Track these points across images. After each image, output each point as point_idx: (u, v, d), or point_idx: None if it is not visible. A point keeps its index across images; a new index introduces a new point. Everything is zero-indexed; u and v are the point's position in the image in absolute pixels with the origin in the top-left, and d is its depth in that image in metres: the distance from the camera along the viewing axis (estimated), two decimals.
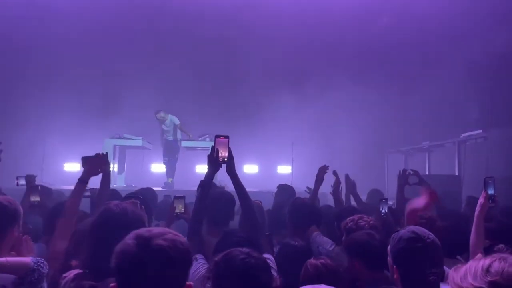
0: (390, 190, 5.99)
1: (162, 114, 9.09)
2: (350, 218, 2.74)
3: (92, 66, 10.41)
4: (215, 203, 2.80)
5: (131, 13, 10.60)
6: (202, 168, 10.57)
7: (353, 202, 4.26)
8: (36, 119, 9.87)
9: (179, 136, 9.25)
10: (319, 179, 4.03)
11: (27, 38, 10.03)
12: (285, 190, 4.74)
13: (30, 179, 3.76)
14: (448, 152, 7.96)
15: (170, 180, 9.07)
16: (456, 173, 7.35)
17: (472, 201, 3.94)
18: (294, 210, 3.30)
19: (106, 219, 1.88)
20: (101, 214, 1.92)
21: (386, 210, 3.47)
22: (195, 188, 4.05)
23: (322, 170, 4.09)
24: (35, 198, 3.39)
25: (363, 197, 4.61)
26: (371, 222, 2.70)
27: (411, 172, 4.17)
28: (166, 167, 9.30)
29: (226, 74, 11.05)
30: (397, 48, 9.51)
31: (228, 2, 10.15)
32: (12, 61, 10.04)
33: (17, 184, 3.79)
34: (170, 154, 9.20)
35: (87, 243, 1.90)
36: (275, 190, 4.92)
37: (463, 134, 7.55)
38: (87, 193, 3.71)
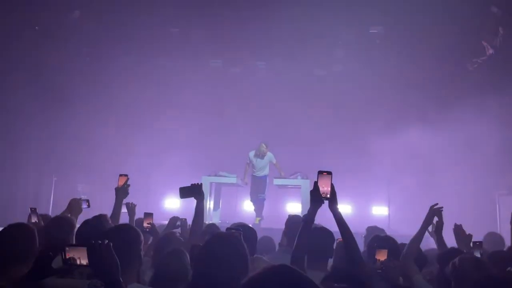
0: (504, 235, 5.35)
1: (267, 149, 9.10)
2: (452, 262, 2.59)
3: (195, 108, 11.20)
4: (315, 239, 2.79)
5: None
6: (292, 207, 10.52)
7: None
8: (142, 156, 10.74)
9: (267, 172, 9.25)
10: (428, 221, 3.40)
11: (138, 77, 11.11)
12: (375, 232, 4.30)
13: (130, 206, 4.12)
14: None
15: (257, 220, 8.97)
16: None
17: None
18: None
19: (214, 244, 2.00)
20: (210, 241, 2.04)
21: (479, 255, 3.20)
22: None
23: (434, 212, 3.39)
24: (147, 224, 3.78)
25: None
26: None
27: None
28: (255, 206, 9.23)
29: (320, 112, 11.10)
30: (505, 79, 8.79)
31: None
32: (122, 98, 11.12)
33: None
34: (259, 192, 9.13)
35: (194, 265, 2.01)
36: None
37: None
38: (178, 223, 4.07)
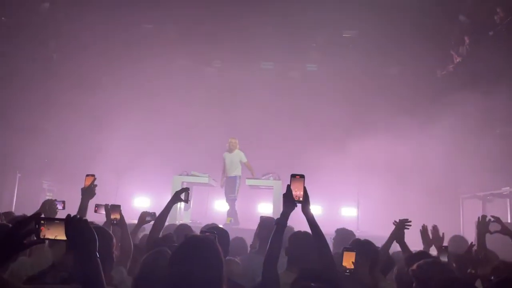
0: (466, 237, 5.56)
1: (237, 142, 9.16)
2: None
3: (162, 107, 11.07)
4: (298, 242, 2.85)
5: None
6: (264, 207, 10.57)
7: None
8: (112, 155, 10.52)
9: (239, 173, 9.18)
10: (395, 234, 3.63)
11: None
12: (344, 234, 4.36)
13: (108, 208, 3.92)
14: None
15: (228, 220, 8.91)
16: None
17: None
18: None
19: (190, 247, 1.98)
20: (185, 244, 2.01)
21: (446, 259, 3.26)
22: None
23: (402, 225, 3.61)
24: (115, 216, 3.60)
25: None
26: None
27: (492, 219, 3.84)
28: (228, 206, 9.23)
29: (291, 114, 11.19)
30: (471, 87, 9.14)
31: None
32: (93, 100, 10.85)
33: (95, 211, 4.02)
34: (230, 192, 9.09)
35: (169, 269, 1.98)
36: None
37: None
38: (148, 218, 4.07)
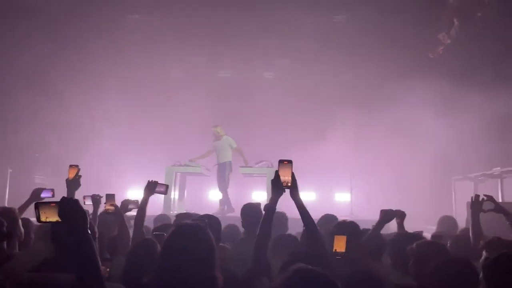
0: (458, 219, 5.62)
1: (218, 129, 8.98)
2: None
3: (155, 98, 11.00)
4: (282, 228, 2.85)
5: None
6: (258, 195, 10.57)
7: None
8: (107, 146, 10.47)
9: (229, 159, 8.98)
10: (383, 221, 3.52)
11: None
12: (327, 220, 4.11)
13: (96, 198, 3.96)
14: None
15: (220, 208, 8.85)
16: None
17: None
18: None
19: (181, 235, 1.99)
20: (176, 232, 2.02)
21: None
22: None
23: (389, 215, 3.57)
24: (109, 206, 3.59)
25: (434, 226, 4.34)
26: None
27: (485, 198, 3.86)
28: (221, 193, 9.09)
29: (283, 102, 11.16)
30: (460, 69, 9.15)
31: None
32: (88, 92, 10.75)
33: (84, 203, 3.99)
34: (220, 179, 8.97)
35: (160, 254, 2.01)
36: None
37: None
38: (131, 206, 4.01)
